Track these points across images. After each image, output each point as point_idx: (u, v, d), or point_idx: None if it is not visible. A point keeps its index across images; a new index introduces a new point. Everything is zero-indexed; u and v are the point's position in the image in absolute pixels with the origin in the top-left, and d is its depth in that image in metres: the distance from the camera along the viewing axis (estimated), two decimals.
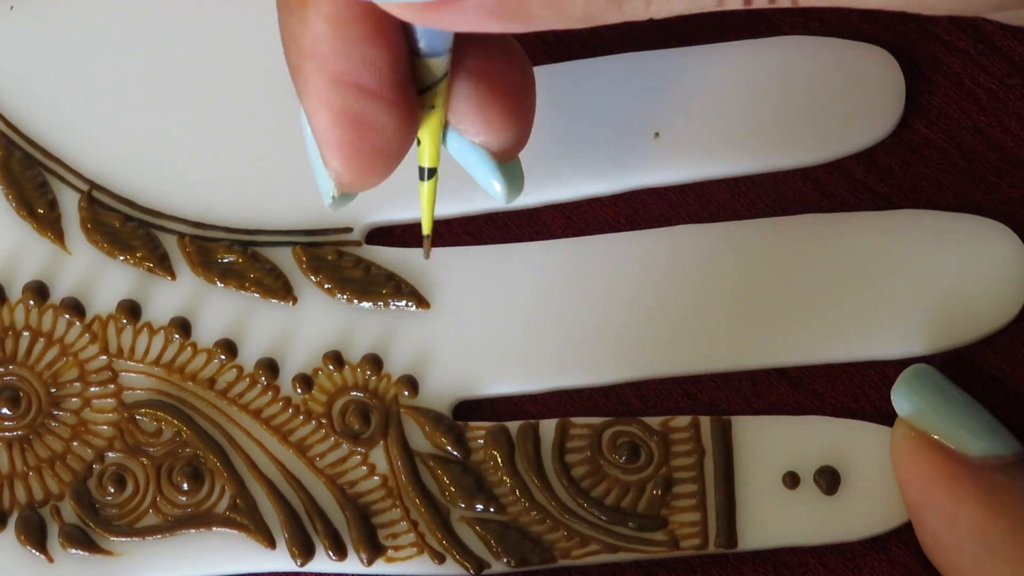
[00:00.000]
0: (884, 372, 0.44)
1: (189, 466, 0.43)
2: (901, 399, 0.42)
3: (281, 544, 0.42)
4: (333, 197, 0.38)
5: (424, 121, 0.37)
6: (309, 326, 0.44)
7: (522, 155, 0.45)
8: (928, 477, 0.41)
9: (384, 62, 0.35)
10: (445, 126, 0.38)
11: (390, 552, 0.42)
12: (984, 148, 0.46)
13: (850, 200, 0.46)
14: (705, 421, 0.43)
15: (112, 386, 0.44)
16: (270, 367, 0.44)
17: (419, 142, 0.38)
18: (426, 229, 0.40)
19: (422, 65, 0.36)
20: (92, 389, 0.44)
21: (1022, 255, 0.44)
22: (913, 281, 0.44)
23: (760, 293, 0.44)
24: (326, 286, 0.44)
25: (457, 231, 0.46)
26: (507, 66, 0.38)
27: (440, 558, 0.42)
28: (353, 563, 0.42)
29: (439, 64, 0.36)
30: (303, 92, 0.36)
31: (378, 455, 0.43)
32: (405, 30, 0.35)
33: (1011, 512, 0.40)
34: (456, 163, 0.39)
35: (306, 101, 0.36)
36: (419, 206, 0.45)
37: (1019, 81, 0.47)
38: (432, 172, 0.38)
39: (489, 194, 0.39)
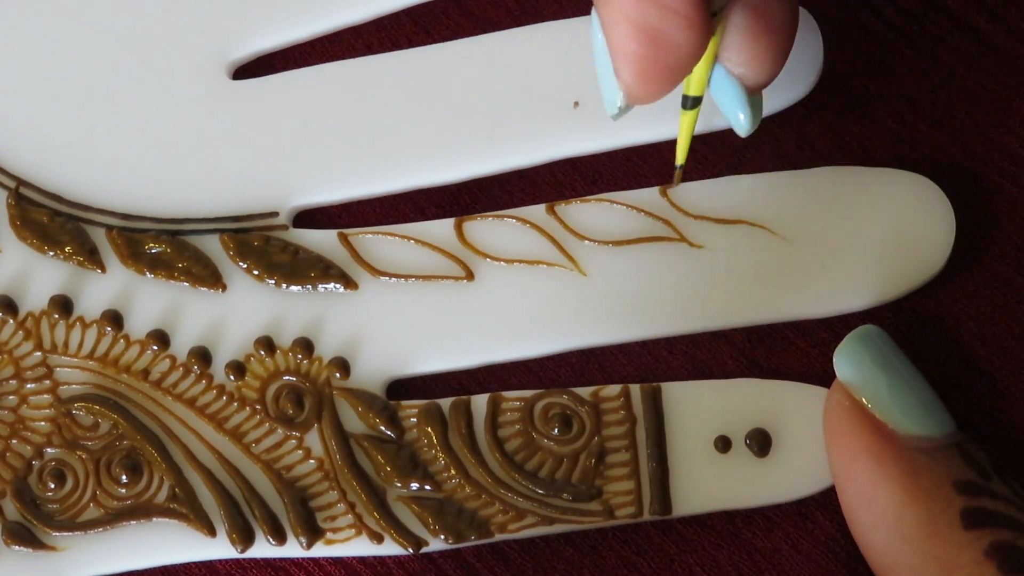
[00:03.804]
0: (815, 333, 0.44)
1: (127, 458, 0.43)
2: (843, 363, 0.42)
3: (221, 532, 0.43)
4: (619, 108, 0.39)
5: None
6: (239, 313, 0.45)
7: (447, 131, 0.46)
8: (852, 451, 0.41)
9: None
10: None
11: (329, 535, 0.43)
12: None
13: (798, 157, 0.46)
14: (635, 389, 0.44)
15: (48, 382, 0.44)
16: (202, 356, 0.44)
17: None
18: (680, 159, 0.42)
19: None
20: (28, 386, 0.44)
21: (945, 205, 0.44)
22: (840, 237, 0.44)
23: (695, 256, 0.44)
24: (255, 272, 0.45)
25: (406, 208, 0.46)
26: (781, 3, 0.39)
27: (378, 538, 0.43)
28: (293, 547, 0.43)
29: None
30: (603, 2, 0.37)
31: (313, 438, 0.43)
32: None
33: (929, 500, 0.39)
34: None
35: (606, 11, 0.37)
36: (348, 184, 0.46)
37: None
38: (697, 101, 0.40)
39: (730, 123, 0.41)
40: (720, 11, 0.38)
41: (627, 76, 0.38)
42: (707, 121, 0.45)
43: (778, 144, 0.46)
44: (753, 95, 0.40)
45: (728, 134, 0.46)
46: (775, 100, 0.45)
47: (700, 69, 0.39)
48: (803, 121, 0.46)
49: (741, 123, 0.41)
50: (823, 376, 0.43)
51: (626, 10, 0.37)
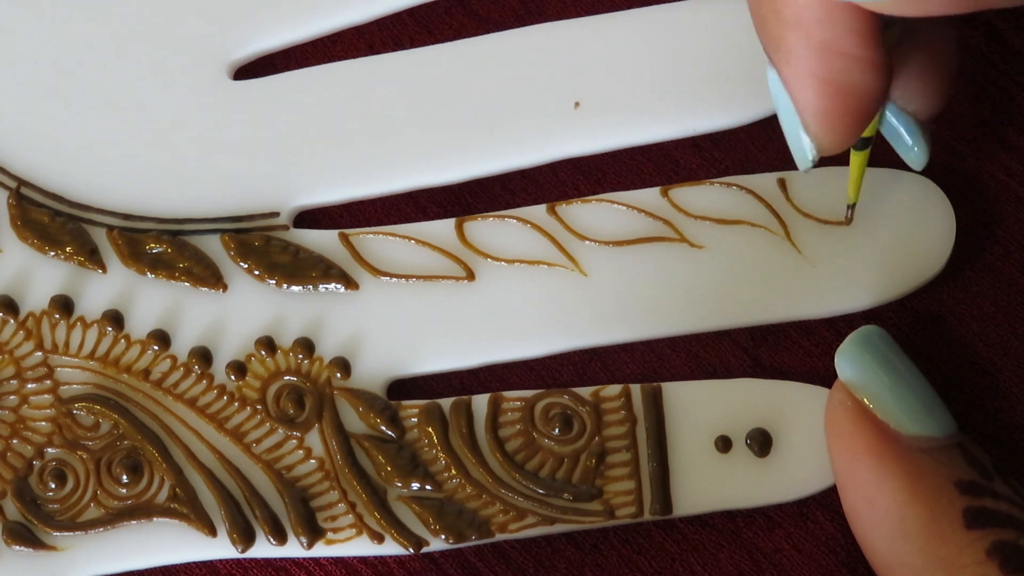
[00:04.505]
0: (818, 332, 0.44)
1: (128, 458, 0.43)
2: (844, 362, 0.41)
3: (222, 532, 0.43)
4: (812, 161, 0.39)
5: None
6: (240, 313, 0.44)
7: (449, 131, 0.45)
8: (854, 451, 0.40)
9: (867, 25, 0.36)
10: None
11: (329, 535, 0.43)
12: None
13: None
14: (636, 389, 0.43)
15: (48, 382, 0.44)
16: (203, 356, 0.44)
17: None
18: (852, 199, 0.43)
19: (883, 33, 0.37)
20: (29, 386, 0.44)
21: (945, 204, 0.44)
22: (841, 237, 0.44)
23: (695, 257, 0.44)
24: (255, 272, 0.45)
25: (408, 207, 0.46)
26: (949, 38, 0.39)
27: (379, 538, 0.43)
28: (294, 547, 0.43)
29: (895, 32, 0.38)
30: (784, 62, 0.37)
31: (314, 438, 0.43)
32: None
33: (931, 500, 0.39)
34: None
35: (787, 71, 0.37)
36: (349, 184, 0.46)
37: None
38: (868, 141, 0.41)
39: (904, 157, 0.41)
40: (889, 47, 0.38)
41: (818, 131, 0.38)
42: (711, 120, 0.45)
43: (784, 143, 0.46)
44: (923, 126, 0.41)
45: (731, 133, 0.46)
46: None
47: None
48: None
49: (916, 156, 0.41)
50: (827, 375, 0.43)
51: (810, 67, 0.36)
